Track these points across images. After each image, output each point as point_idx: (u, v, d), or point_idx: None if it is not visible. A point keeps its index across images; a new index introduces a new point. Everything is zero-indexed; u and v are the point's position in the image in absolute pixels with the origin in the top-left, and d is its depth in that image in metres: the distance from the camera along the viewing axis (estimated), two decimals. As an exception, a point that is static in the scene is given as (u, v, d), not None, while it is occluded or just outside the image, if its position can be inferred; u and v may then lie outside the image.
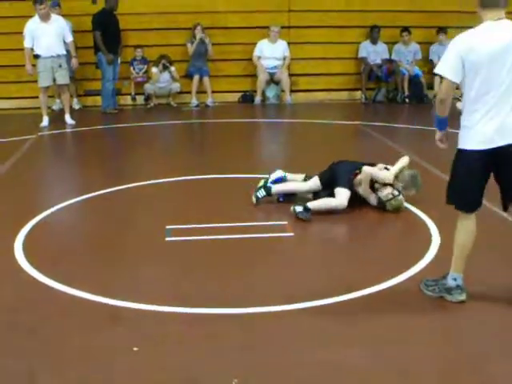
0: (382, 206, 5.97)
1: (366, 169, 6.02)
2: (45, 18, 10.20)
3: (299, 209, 5.70)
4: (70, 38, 10.57)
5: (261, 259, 4.97)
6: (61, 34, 10.38)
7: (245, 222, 5.65)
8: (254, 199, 6.18)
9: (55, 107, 11.88)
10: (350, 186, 5.98)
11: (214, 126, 11.17)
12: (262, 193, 6.19)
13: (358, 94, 13.25)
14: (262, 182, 6.30)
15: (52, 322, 3.98)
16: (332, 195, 5.95)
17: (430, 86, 13.19)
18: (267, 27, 12.65)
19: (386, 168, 6.15)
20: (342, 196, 5.90)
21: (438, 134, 4.52)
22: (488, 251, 4.83)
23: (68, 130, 10.44)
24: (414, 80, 13.13)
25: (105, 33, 11.43)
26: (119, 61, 11.88)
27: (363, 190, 6.04)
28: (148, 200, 6.55)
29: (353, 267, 4.81)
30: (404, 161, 6.15)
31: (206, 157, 8.62)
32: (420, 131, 10.11)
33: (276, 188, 6.23)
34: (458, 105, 10.95)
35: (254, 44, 12.77)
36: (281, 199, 6.22)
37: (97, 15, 11.59)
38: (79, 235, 5.70)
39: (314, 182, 6.17)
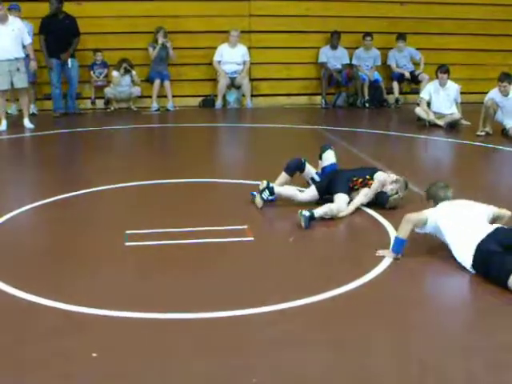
0: (375, 202, 6.16)
1: (380, 178, 6.17)
2: (1, 19, 10.05)
3: (306, 214, 5.65)
4: (28, 41, 10.41)
5: (220, 264, 4.96)
6: (19, 36, 10.21)
7: (205, 226, 5.63)
8: (259, 202, 6.16)
9: (10, 111, 11.67)
10: (348, 193, 6.12)
11: (175, 130, 11.13)
12: (266, 194, 6.19)
13: (319, 99, 13.33)
14: (264, 184, 6.25)
15: (7, 329, 3.92)
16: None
17: (390, 91, 13.36)
18: (227, 32, 12.66)
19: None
20: (340, 200, 6.03)
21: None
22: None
23: (27, 135, 10.30)
24: (373, 85, 13.27)
25: (48, 37, 11.36)
26: (70, 65, 11.71)
27: (366, 194, 6.17)
28: (107, 205, 6.50)
29: (313, 271, 4.82)
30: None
31: (167, 161, 8.59)
32: (379, 135, 10.23)
33: (277, 189, 6.26)
34: (417, 110, 11.20)
35: (215, 48, 12.78)
36: (269, 198, 6.16)
37: (42, 19, 11.47)
38: (36, 241, 5.61)
39: (312, 191, 6.26)
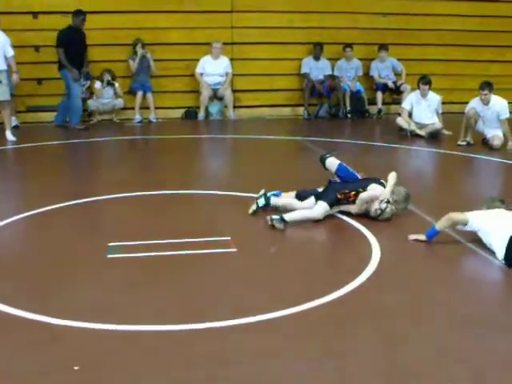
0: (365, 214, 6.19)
1: (362, 196, 6.15)
2: (-17, 32, 10.03)
3: (276, 217, 5.86)
4: (10, 53, 10.34)
5: (202, 275, 4.95)
6: (1, 48, 10.18)
7: (188, 238, 5.62)
8: (253, 207, 6.30)
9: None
10: (332, 204, 6.14)
11: (158, 142, 11.13)
12: (262, 201, 6.31)
13: (301, 110, 13.39)
14: (262, 191, 6.41)
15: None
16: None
17: (372, 102, 13.45)
18: (210, 43, 12.70)
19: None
20: (319, 209, 6.09)
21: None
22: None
23: (9, 147, 10.25)
24: (355, 96, 13.36)
25: (68, 50, 11.44)
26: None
27: (354, 209, 6.21)
28: (90, 217, 6.48)
29: (295, 281, 4.83)
30: (395, 176, 6.34)
31: (150, 173, 8.57)
32: (361, 146, 10.29)
33: (274, 200, 6.35)
34: (399, 120, 11.29)
35: (197, 60, 12.80)
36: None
37: (61, 32, 11.57)
38: (16, 253, 5.56)
39: (310, 203, 6.27)
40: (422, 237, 5.54)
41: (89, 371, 3.54)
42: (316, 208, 6.12)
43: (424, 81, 10.91)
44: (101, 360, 3.67)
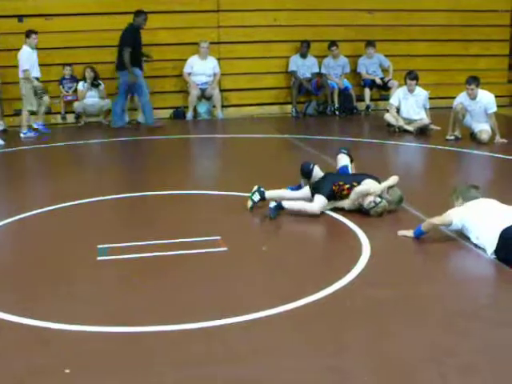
0: (359, 209, 6.21)
1: (357, 189, 6.17)
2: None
3: (271, 204, 6.04)
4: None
5: (193, 275, 4.95)
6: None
7: (178, 238, 5.62)
8: (249, 203, 6.34)
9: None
10: (329, 196, 6.20)
11: (146, 142, 11.08)
12: (256, 196, 6.37)
13: (289, 108, 13.39)
14: (255, 188, 6.42)
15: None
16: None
17: (360, 98, 13.47)
18: (197, 43, 12.68)
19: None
20: (317, 204, 6.17)
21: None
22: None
23: (-1, 151, 10.22)
24: (343, 93, 13.36)
25: (133, 49, 11.58)
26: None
27: (347, 203, 6.23)
28: (79, 219, 6.45)
29: (286, 279, 4.83)
30: (395, 179, 6.37)
31: (139, 174, 8.56)
32: (350, 143, 10.28)
33: (268, 193, 6.39)
34: (387, 116, 11.32)
35: (185, 60, 12.78)
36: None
37: (127, 32, 11.61)
38: (6, 256, 5.56)
39: (305, 192, 6.38)
40: (410, 233, 5.56)
41: (79, 374, 3.53)
42: (315, 203, 6.18)
43: (411, 76, 10.92)
44: (92, 362, 3.66)
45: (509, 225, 4.99)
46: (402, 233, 5.63)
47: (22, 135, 11.08)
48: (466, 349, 3.79)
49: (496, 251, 5.02)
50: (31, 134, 11.12)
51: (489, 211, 5.26)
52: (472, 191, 5.57)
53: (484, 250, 5.16)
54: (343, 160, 6.81)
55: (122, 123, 12.08)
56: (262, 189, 6.41)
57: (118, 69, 11.80)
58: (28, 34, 10.93)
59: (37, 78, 11.08)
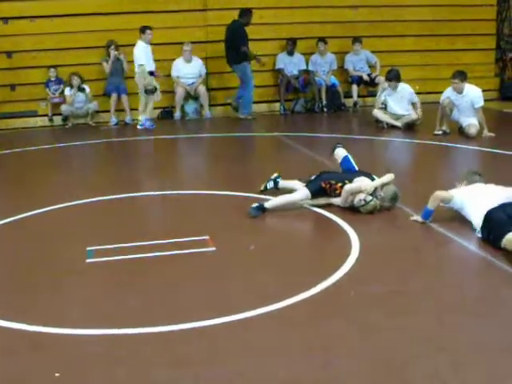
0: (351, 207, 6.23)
1: (347, 187, 6.19)
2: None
3: (254, 205, 6.13)
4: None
5: (183, 276, 4.93)
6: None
7: (166, 238, 5.60)
8: (262, 187, 6.79)
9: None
10: (314, 191, 6.31)
11: (134, 143, 11.04)
12: (271, 184, 6.79)
13: (277, 106, 13.38)
14: (274, 175, 6.83)
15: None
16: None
17: (348, 95, 13.47)
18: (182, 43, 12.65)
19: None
20: (298, 194, 6.36)
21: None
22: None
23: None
24: (331, 89, 13.37)
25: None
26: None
27: (339, 201, 6.28)
28: (68, 222, 6.41)
29: (276, 278, 4.82)
30: (390, 176, 6.37)
31: (127, 175, 8.51)
32: (338, 139, 10.27)
33: (281, 183, 6.76)
34: (375, 112, 11.31)
35: (172, 60, 12.74)
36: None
37: (241, 28, 12.25)
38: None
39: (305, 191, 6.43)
40: (419, 218, 5.79)
41: (70, 377, 3.50)
42: (297, 192, 6.34)
43: (389, 76, 10.91)
44: (82, 366, 3.64)
45: (495, 205, 5.27)
46: (412, 218, 5.87)
47: (138, 127, 11.84)
48: (458, 344, 3.79)
49: (481, 230, 5.27)
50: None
51: (481, 193, 5.59)
52: (475, 176, 5.97)
53: (473, 240, 5.35)
54: (341, 152, 6.89)
55: (248, 112, 12.62)
56: (278, 179, 6.72)
57: (234, 63, 12.37)
58: (143, 29, 11.55)
59: (151, 73, 11.63)
